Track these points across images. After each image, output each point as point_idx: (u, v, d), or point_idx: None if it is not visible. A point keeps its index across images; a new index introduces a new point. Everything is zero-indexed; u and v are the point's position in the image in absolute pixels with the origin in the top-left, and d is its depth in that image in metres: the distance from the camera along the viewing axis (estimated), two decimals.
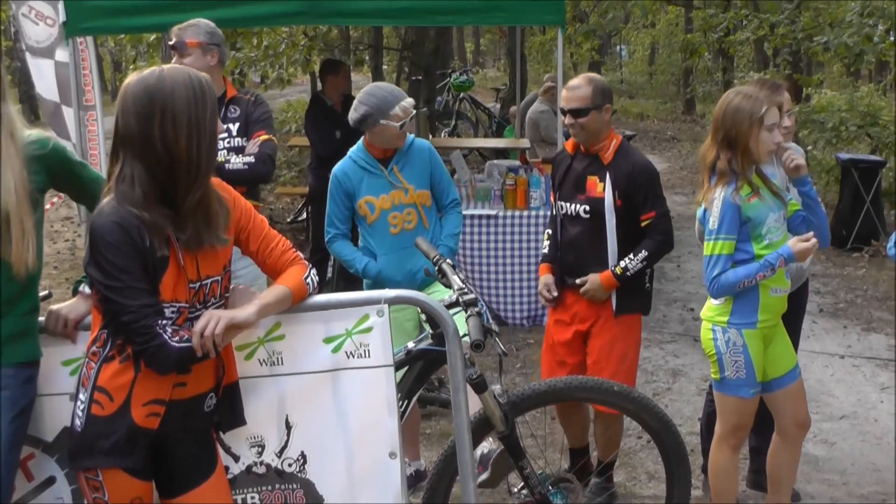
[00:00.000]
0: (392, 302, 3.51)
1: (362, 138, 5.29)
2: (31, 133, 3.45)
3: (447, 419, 6.20)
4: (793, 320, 4.93)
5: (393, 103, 5.08)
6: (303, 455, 3.59)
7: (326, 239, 5.39)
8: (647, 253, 4.93)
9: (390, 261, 5.23)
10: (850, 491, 5.59)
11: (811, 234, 4.40)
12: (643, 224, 4.97)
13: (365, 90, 5.24)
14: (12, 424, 3.28)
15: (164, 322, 3.01)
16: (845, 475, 5.79)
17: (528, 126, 12.79)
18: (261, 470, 3.59)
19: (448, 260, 4.16)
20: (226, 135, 5.29)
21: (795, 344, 4.97)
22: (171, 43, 5.35)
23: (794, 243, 4.34)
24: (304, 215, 10.27)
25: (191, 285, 3.11)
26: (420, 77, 14.10)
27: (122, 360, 3.07)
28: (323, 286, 8.80)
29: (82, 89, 8.48)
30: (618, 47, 44.17)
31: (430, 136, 12.92)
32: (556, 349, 5.29)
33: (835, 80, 29.40)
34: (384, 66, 21.86)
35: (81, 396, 3.09)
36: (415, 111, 5.23)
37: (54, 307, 3.52)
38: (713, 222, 4.38)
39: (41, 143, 3.44)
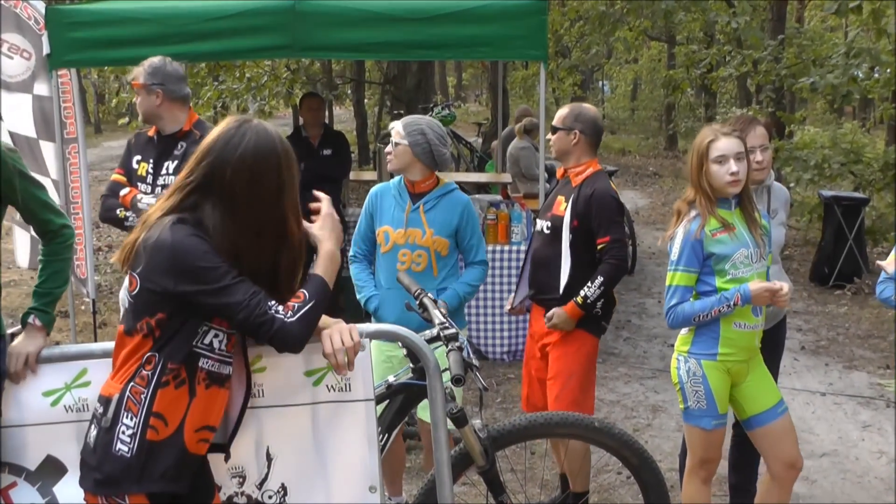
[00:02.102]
0: (372, 336, 3.52)
1: None
2: None
3: None
4: (771, 357, 4.93)
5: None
6: (283, 487, 3.57)
7: (350, 255, 5.39)
8: (602, 278, 5.10)
9: (389, 297, 5.14)
10: None
11: (784, 285, 4.40)
12: (599, 248, 5.14)
13: None
14: None
15: (272, 303, 3.04)
16: None
17: (509, 162, 12.83)
18: (241, 500, 3.57)
19: (429, 294, 4.16)
20: (164, 172, 5.41)
21: (774, 379, 4.97)
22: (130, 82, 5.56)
23: (755, 285, 4.35)
24: None
25: None
26: (402, 111, 14.14)
27: (178, 385, 3.07)
28: None
29: (63, 122, 8.45)
30: (600, 82, 44.42)
31: None
32: (529, 363, 5.53)
33: (818, 116, 29.62)
34: (366, 100, 21.94)
35: (128, 421, 3.06)
36: (396, 137, 5.12)
37: (13, 345, 3.53)
38: (674, 253, 4.46)
39: None
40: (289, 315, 3.04)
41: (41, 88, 8.26)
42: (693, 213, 4.45)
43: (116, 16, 7.75)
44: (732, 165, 4.36)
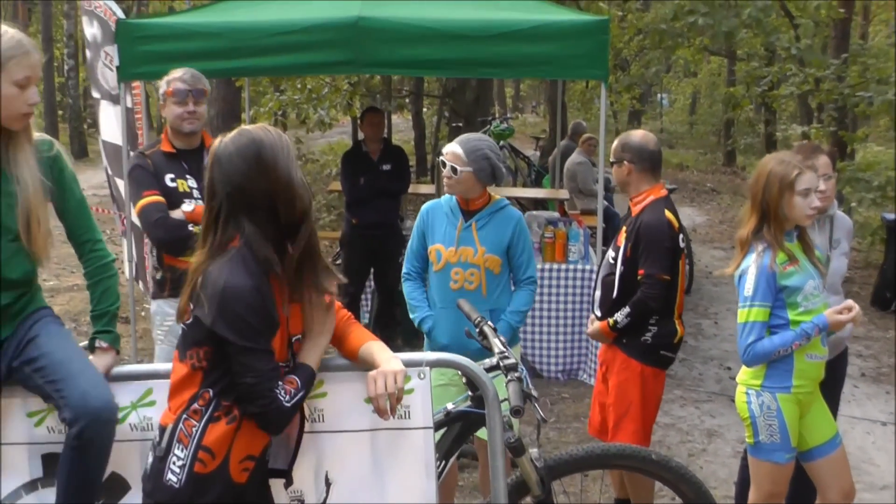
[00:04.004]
0: (433, 365, 3.54)
1: None
2: (36, 135, 3.62)
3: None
4: (832, 388, 4.90)
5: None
6: None
7: (402, 272, 5.38)
8: (628, 309, 5.16)
9: (443, 317, 5.15)
10: None
11: (852, 304, 4.39)
12: (638, 278, 5.15)
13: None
14: (67, 335, 3.61)
15: (281, 384, 3.10)
16: None
17: (566, 177, 12.85)
18: None
19: (489, 322, 4.17)
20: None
21: (835, 412, 4.95)
22: (183, 88, 5.37)
23: (830, 314, 4.36)
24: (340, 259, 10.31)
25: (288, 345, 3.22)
26: (461, 124, 14.16)
27: (229, 421, 3.13)
28: None
29: (134, 133, 8.59)
30: (659, 95, 44.17)
31: None
32: (598, 386, 5.55)
33: (881, 133, 29.14)
34: (424, 109, 22.00)
35: (179, 453, 3.12)
36: (458, 163, 5.07)
37: None
38: (748, 289, 4.41)
39: (46, 145, 3.63)
40: (287, 399, 3.10)
41: (127, 100, 8.42)
42: (761, 246, 4.43)
43: (185, 30, 7.90)
44: (814, 199, 4.42)
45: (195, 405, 3.13)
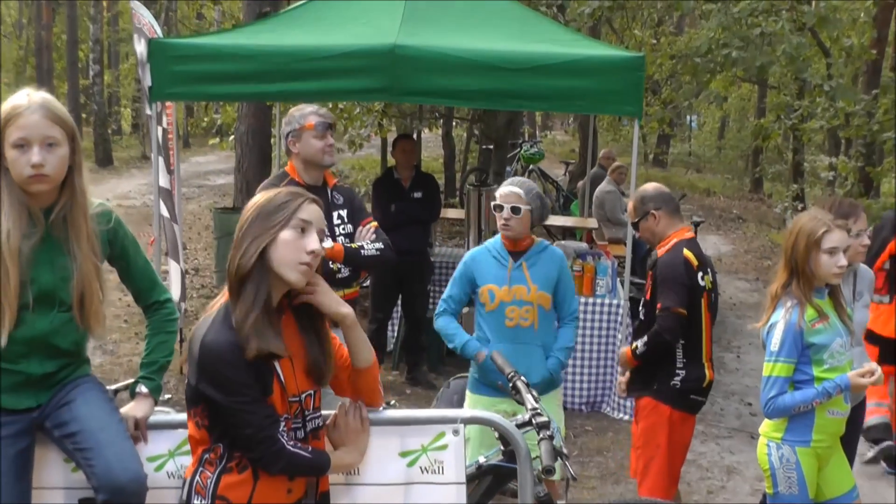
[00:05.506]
0: (468, 422, 3.57)
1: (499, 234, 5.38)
2: (93, 202, 3.63)
3: None
4: (850, 434, 4.93)
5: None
6: None
7: (436, 311, 5.50)
8: (646, 338, 5.30)
9: (503, 350, 5.16)
10: None
11: (875, 367, 4.42)
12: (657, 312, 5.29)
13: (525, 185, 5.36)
14: (110, 401, 3.65)
15: (282, 430, 3.12)
16: None
17: (595, 204, 12.84)
18: None
19: (522, 377, 4.20)
20: (339, 221, 5.43)
21: (852, 458, 5.00)
22: (322, 122, 5.45)
23: (853, 376, 4.42)
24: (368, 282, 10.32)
25: (291, 399, 3.20)
26: (491, 146, 14.16)
27: (241, 470, 3.15)
28: (383, 356, 8.90)
29: (167, 152, 8.68)
30: (688, 118, 43.98)
31: None
32: (634, 429, 5.59)
33: None
34: (455, 126, 21.98)
35: (197, 503, 3.16)
36: (518, 202, 5.29)
37: (124, 410, 3.64)
38: (775, 343, 4.48)
39: (106, 217, 3.65)
40: (291, 444, 3.13)
41: (163, 120, 8.52)
42: (790, 302, 4.47)
43: (219, 51, 7.90)
44: (841, 258, 4.45)
45: (208, 457, 3.18)
